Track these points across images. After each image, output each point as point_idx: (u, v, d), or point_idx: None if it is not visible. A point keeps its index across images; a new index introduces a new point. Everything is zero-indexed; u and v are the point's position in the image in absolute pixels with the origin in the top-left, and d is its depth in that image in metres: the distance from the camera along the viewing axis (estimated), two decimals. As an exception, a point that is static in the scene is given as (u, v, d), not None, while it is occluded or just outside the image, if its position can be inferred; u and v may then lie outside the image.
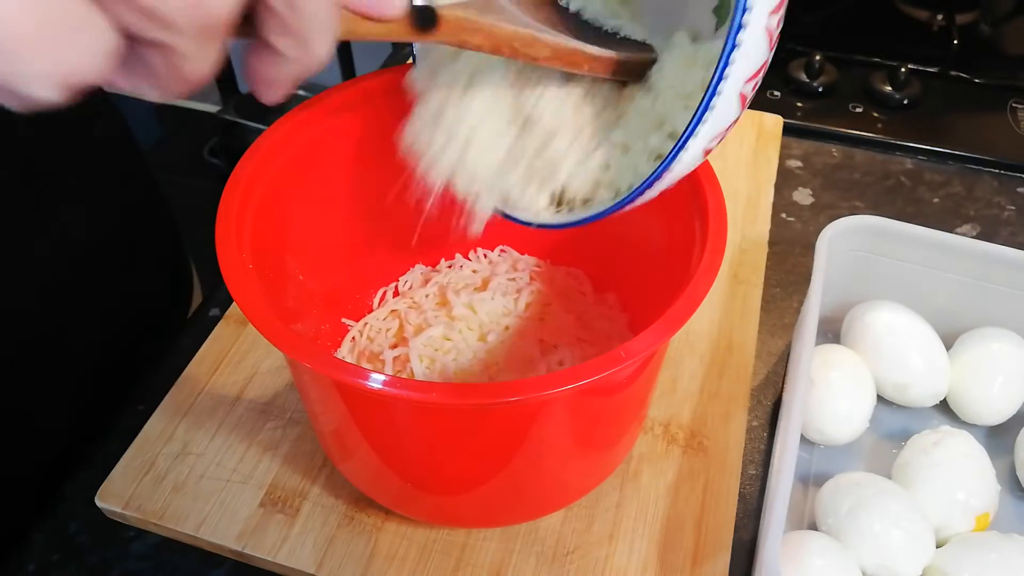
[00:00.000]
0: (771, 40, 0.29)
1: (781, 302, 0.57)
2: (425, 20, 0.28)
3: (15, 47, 0.18)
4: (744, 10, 0.27)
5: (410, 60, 0.40)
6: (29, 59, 0.18)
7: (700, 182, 0.39)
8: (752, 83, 0.29)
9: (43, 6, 0.18)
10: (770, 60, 0.30)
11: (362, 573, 0.42)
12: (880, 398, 0.49)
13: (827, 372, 0.47)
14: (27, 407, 0.49)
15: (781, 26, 0.29)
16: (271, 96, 0.26)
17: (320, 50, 0.24)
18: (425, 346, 0.45)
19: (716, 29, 0.36)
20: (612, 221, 0.48)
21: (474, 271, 0.51)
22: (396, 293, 0.52)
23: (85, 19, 0.19)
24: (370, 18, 0.27)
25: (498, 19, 0.31)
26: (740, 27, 0.27)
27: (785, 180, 0.66)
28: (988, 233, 0.62)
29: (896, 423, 0.50)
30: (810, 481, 0.47)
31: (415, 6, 0.28)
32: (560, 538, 0.43)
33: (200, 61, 0.22)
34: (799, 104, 0.73)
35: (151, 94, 0.22)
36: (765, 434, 0.49)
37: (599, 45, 0.34)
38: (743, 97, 0.29)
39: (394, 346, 0.47)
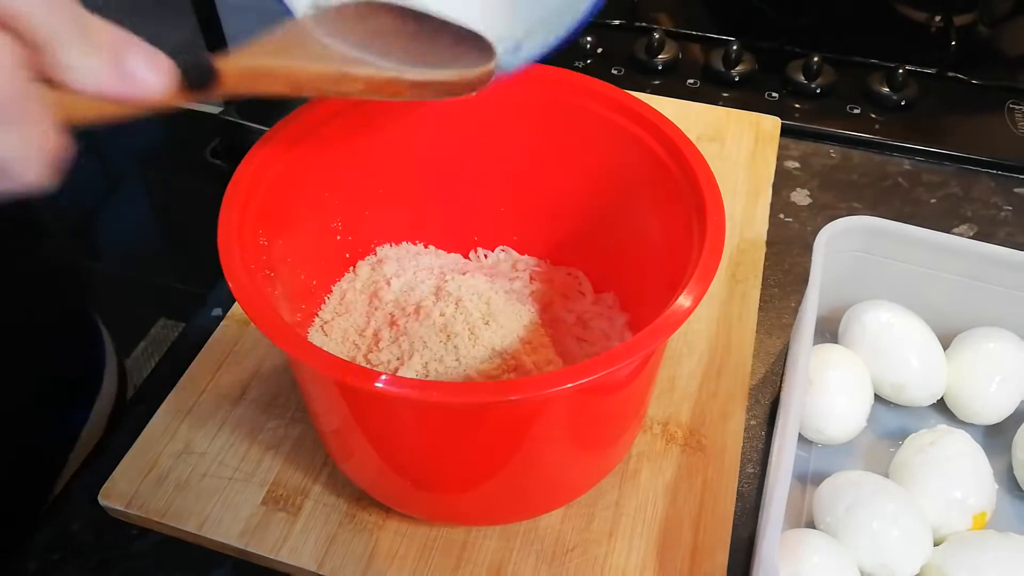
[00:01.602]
0: None
1: (779, 302, 0.57)
2: (199, 82, 0.25)
3: None
4: None
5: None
6: None
7: (698, 182, 0.39)
8: None
9: None
10: None
11: (363, 571, 0.42)
12: (877, 397, 0.49)
13: (825, 371, 0.47)
14: None
15: None
16: None
17: (27, 178, 0.22)
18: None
19: None
20: (611, 221, 0.48)
21: (475, 271, 0.52)
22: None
23: None
24: (126, 102, 0.24)
25: (297, 60, 0.28)
26: None
27: (783, 181, 0.66)
28: (985, 233, 0.62)
29: (893, 422, 0.50)
30: (808, 480, 0.47)
31: (185, 71, 0.25)
32: (560, 536, 0.43)
33: None
34: (797, 105, 0.73)
35: None
36: (763, 433, 0.50)
37: (434, 61, 0.31)
38: None
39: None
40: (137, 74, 0.24)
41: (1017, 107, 0.73)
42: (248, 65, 0.27)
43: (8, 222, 0.49)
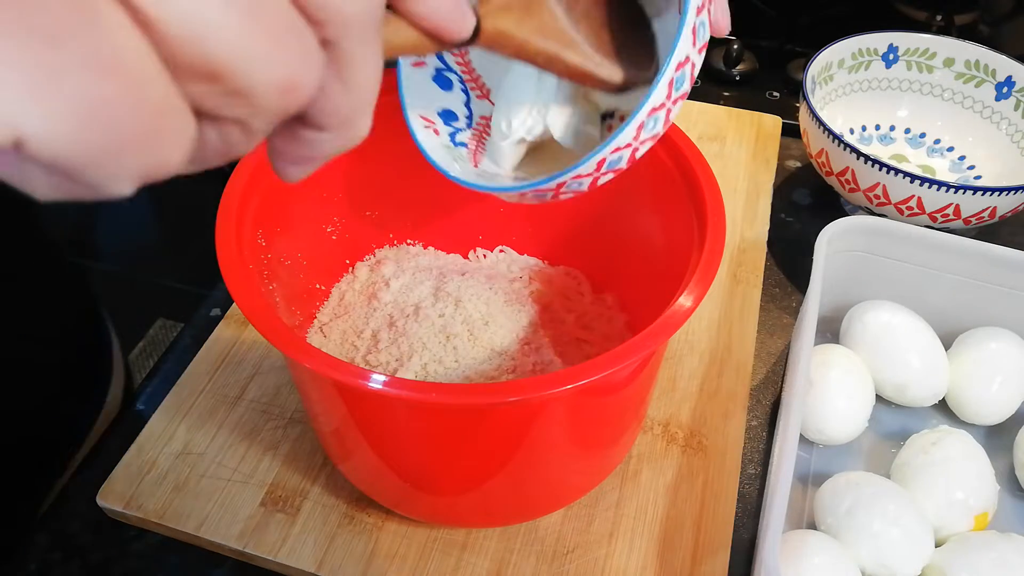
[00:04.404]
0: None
1: (780, 302, 0.57)
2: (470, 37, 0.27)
3: (112, 145, 0.16)
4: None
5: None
6: (121, 159, 0.16)
7: (699, 182, 0.39)
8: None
9: (135, 96, 0.16)
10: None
11: (362, 572, 0.42)
12: (879, 398, 0.49)
13: (826, 372, 0.47)
14: None
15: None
16: (299, 175, 0.23)
17: (364, 128, 0.21)
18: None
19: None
20: (611, 221, 0.48)
21: (474, 271, 0.52)
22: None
23: (172, 108, 0.16)
24: (435, 38, 0.24)
25: (531, 34, 0.29)
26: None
27: (784, 180, 0.66)
28: (987, 233, 0.62)
29: (895, 423, 0.50)
30: (809, 480, 0.47)
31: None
32: (560, 537, 0.43)
33: (260, 137, 0.19)
34: (798, 105, 0.73)
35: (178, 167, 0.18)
36: (764, 433, 0.50)
37: (618, 61, 0.33)
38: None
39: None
40: (466, 11, 0.24)
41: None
42: (500, 31, 0.28)
43: (12, 216, 0.49)
